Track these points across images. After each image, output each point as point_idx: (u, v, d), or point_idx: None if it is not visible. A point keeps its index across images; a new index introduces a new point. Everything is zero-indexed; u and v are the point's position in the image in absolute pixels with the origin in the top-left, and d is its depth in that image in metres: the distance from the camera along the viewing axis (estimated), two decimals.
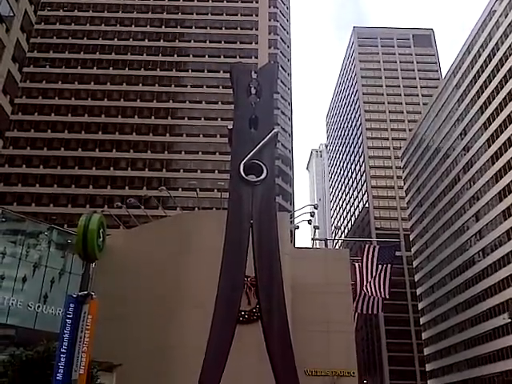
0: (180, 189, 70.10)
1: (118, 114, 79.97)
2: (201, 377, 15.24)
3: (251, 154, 17.24)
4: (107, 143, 77.89)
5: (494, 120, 75.70)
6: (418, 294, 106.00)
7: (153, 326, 35.69)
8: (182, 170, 76.31)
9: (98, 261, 7.42)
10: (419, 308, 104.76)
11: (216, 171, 73.33)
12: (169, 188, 56.45)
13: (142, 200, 55.67)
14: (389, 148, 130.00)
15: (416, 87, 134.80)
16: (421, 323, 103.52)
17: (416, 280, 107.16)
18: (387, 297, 43.05)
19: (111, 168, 76.30)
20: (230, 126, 18.24)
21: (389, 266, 44.01)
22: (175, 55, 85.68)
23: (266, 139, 17.30)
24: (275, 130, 17.71)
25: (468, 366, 80.00)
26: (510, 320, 36.59)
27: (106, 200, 70.25)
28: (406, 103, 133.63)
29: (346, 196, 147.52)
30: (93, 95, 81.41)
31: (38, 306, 42.20)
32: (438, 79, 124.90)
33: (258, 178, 17.32)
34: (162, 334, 35.19)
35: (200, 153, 77.39)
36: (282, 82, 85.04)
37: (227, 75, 19.65)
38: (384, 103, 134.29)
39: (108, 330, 32.23)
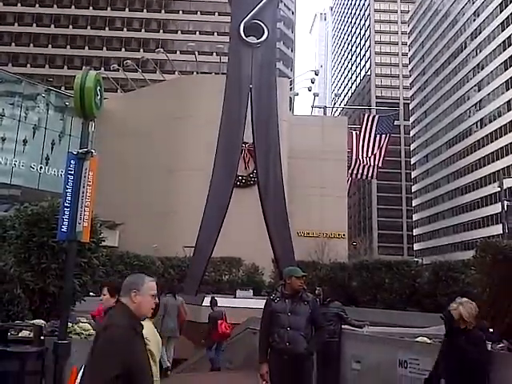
0: (178, 51, 67.85)
1: None
2: (199, 234, 16.06)
3: (252, 12, 16.54)
4: (101, 1, 73.90)
5: None
6: (412, 162, 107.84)
7: (152, 188, 36.76)
8: (179, 32, 73.24)
9: (98, 125, 7.45)
10: (412, 176, 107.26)
11: (215, 33, 70.41)
12: (166, 51, 54.66)
13: (140, 63, 54.29)
14: (396, 12, 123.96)
15: None
16: (412, 191, 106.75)
17: (412, 149, 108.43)
18: (380, 165, 43.84)
19: (106, 28, 73.20)
20: None
21: (387, 135, 44.26)
22: None
23: None
24: None
25: (454, 232, 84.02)
26: (499, 189, 37.63)
27: (102, 62, 68.28)
28: None
29: (349, 63, 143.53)
30: None
31: (41, 167, 43.18)
32: None
33: (259, 40, 16.82)
34: (162, 196, 36.38)
35: (199, 13, 73.74)
36: None
37: None
38: None
39: (109, 192, 33.30)
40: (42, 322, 6.97)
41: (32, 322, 6.87)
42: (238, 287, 18.52)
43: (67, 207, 6.47)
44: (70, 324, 6.65)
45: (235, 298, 15.78)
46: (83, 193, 6.48)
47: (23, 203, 9.31)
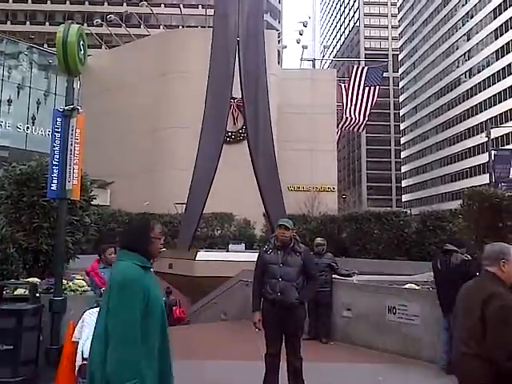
0: (163, 5, 66.05)
1: None
2: (190, 190, 16.09)
3: None
4: None
5: None
6: (401, 114, 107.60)
7: (141, 146, 36.53)
8: None
9: (82, 83, 7.32)
10: (401, 128, 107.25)
11: None
12: (151, 4, 53.19)
13: (123, 17, 52.90)
14: None
15: None
16: (401, 143, 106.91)
17: (400, 101, 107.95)
18: (367, 118, 43.72)
19: None
20: None
21: (376, 87, 43.90)
22: None
23: None
24: None
25: (442, 182, 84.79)
26: (487, 138, 37.80)
27: (85, 17, 66.42)
28: None
29: (337, 14, 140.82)
30: None
31: (27, 128, 42.58)
32: None
33: None
34: (151, 154, 36.19)
35: None
36: None
37: None
38: None
39: (98, 151, 33.07)
40: (37, 280, 7.05)
41: (27, 280, 6.95)
42: (230, 241, 18.74)
43: (56, 165, 6.42)
44: (64, 281, 6.73)
45: (228, 251, 15.98)
46: (71, 150, 6.43)
47: (11, 164, 9.22)
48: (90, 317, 4.95)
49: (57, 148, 6.43)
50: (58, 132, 6.44)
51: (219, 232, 22.37)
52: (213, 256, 14.61)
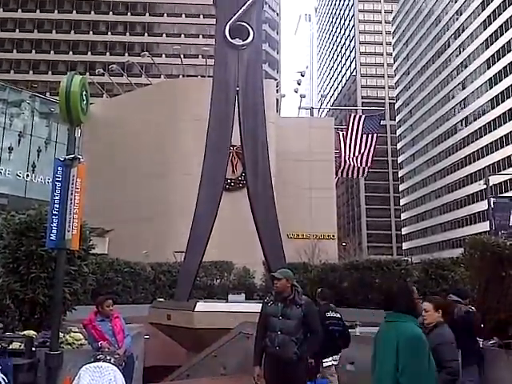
0: (163, 55, 67.73)
1: None
2: (190, 238, 15.95)
3: (237, 14, 16.49)
4: (85, 4, 73.43)
5: None
6: (399, 162, 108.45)
7: (141, 194, 36.58)
8: (164, 35, 73.05)
9: (84, 131, 7.38)
10: (399, 175, 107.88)
11: (201, 36, 70.26)
12: (152, 54, 54.51)
13: (125, 67, 54.03)
14: (380, 12, 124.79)
15: None
16: (400, 190, 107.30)
17: (398, 148, 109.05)
18: (369, 165, 44.01)
19: (90, 32, 72.79)
20: None
21: (374, 135, 44.43)
22: None
23: None
24: None
25: (442, 230, 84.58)
26: (485, 186, 37.97)
27: (87, 67, 67.94)
28: None
29: (334, 63, 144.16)
30: None
31: (27, 175, 42.72)
32: None
33: (245, 42, 16.73)
34: (151, 202, 36.20)
35: (183, 15, 73.62)
36: None
37: None
38: None
39: (97, 199, 33.07)
40: (33, 332, 6.88)
41: (23, 333, 6.78)
42: (229, 291, 18.45)
43: (55, 215, 6.39)
44: (61, 334, 6.57)
45: (227, 302, 15.71)
46: (71, 200, 6.41)
47: (10, 212, 9.17)
48: (87, 372, 4.80)
49: (57, 197, 6.41)
50: (58, 181, 6.44)
51: (218, 281, 22.08)
52: (212, 307, 14.34)
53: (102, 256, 18.88)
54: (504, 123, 67.74)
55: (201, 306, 14.04)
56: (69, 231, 6.36)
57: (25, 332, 6.85)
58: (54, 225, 6.36)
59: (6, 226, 8.77)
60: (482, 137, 72.86)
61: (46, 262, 8.24)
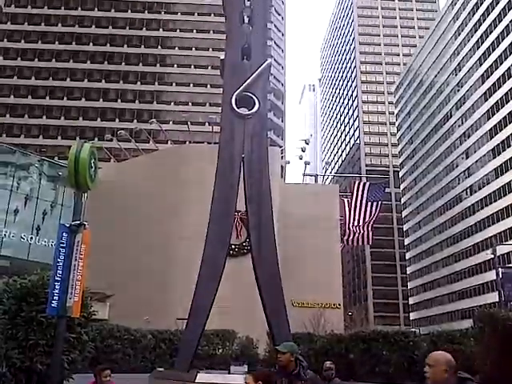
0: (171, 122, 69.32)
1: (107, 42, 77.64)
2: (192, 305, 15.64)
3: (244, 85, 16.92)
4: (96, 73, 76.05)
5: (489, 55, 74.57)
6: (404, 229, 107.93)
7: (144, 259, 36.36)
8: (172, 103, 75.12)
9: (90, 194, 7.39)
10: (405, 243, 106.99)
11: (207, 104, 72.24)
12: (159, 121, 55.82)
13: (133, 133, 55.18)
14: (382, 83, 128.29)
15: (413, 19, 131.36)
16: (406, 258, 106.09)
17: (403, 216, 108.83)
18: (372, 232, 43.89)
19: (100, 99, 74.95)
20: (222, 57, 17.69)
21: (378, 203, 44.58)
22: None
23: (259, 70, 16.88)
24: (268, 61, 17.16)
25: (450, 300, 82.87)
26: (492, 256, 37.60)
27: (96, 132, 69.47)
28: (402, 36, 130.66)
29: (338, 131, 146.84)
30: (80, 21, 78.68)
31: (31, 238, 42.61)
32: (436, 11, 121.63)
33: (250, 111, 17.06)
34: (153, 267, 35.91)
35: (191, 85, 75.95)
36: (275, 11, 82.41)
37: (219, 2, 18.97)
38: (379, 35, 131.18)
39: (99, 263, 32.84)
40: None
41: None
42: (231, 361, 17.90)
43: (58, 281, 6.30)
44: None
45: (229, 373, 15.19)
46: (75, 266, 6.35)
47: (12, 276, 9.06)
48: None
49: (60, 263, 6.35)
50: (63, 247, 6.39)
51: (220, 351, 21.49)
52: (214, 378, 13.84)
53: (102, 322, 18.54)
54: (509, 193, 67.75)
55: (202, 377, 13.55)
56: (70, 298, 6.25)
57: None
58: (56, 291, 6.26)
59: (7, 290, 8.64)
60: (487, 205, 72.81)
61: (45, 328, 8.06)
